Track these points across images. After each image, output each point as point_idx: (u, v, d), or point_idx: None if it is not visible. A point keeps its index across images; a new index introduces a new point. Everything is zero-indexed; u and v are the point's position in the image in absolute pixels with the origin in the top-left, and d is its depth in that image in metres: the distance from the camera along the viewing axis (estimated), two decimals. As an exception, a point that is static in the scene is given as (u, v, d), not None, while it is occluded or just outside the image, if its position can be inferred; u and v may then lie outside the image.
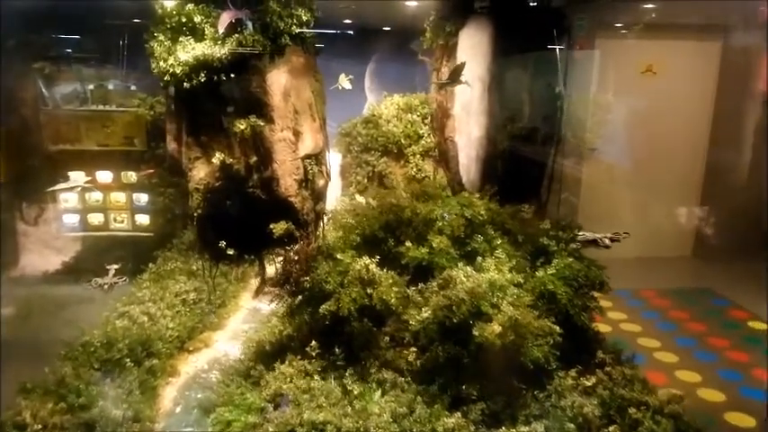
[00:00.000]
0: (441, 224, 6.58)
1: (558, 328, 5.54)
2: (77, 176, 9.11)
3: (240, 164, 5.44)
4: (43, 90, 9.95)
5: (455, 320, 5.39)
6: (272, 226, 5.47)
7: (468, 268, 5.92)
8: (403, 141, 10.62)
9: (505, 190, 7.68)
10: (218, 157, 5.35)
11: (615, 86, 10.23)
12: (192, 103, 5.33)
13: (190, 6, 5.56)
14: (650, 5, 9.04)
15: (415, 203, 6.73)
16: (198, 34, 5.13)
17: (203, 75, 5.03)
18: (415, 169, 11.08)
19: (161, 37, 5.11)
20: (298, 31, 5.77)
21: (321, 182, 5.83)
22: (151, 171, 10.71)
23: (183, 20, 5.11)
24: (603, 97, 9.87)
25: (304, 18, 5.80)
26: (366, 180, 11.26)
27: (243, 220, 5.59)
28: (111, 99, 10.37)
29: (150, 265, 9.75)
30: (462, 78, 7.32)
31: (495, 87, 7.58)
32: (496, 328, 5.17)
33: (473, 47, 7.69)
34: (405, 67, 13.59)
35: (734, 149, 11.43)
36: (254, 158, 5.44)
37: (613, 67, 9.98)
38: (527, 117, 8.02)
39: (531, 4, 7.62)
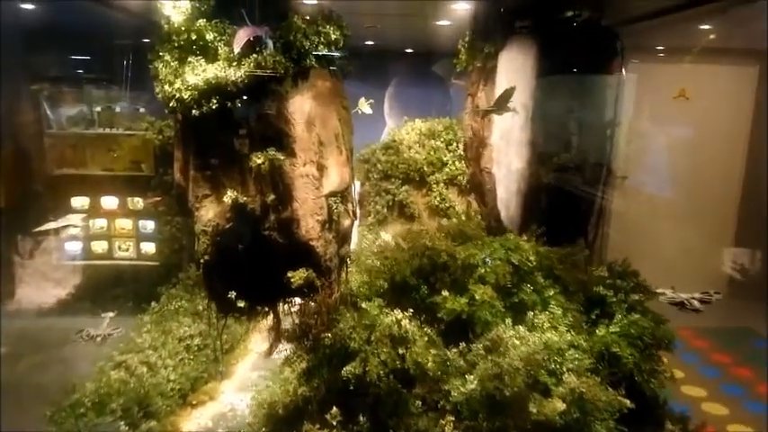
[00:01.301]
0: (483, 271, 5.71)
1: (628, 402, 4.61)
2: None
3: (255, 203, 4.90)
4: (48, 112, 9.46)
5: (507, 393, 4.47)
6: (289, 274, 4.98)
7: (521, 328, 5.01)
8: (426, 169, 9.97)
9: (549, 227, 6.78)
10: (229, 196, 4.84)
11: (648, 112, 9.51)
12: (202, 133, 4.70)
13: (201, 22, 4.83)
14: (705, 27, 8.21)
15: (452, 245, 5.82)
16: (210, 54, 4.67)
17: (215, 100, 4.56)
18: (438, 199, 10.34)
19: (167, 57, 4.51)
20: (325, 51, 4.97)
21: (347, 222, 5.04)
22: (158, 199, 10.09)
23: (193, 38, 4.65)
24: (637, 123, 9.12)
25: (332, 37, 5.03)
26: (386, 209, 10.49)
27: (256, 267, 5.08)
28: (118, 122, 9.89)
29: (153, 303, 8.98)
30: (510, 105, 6.48)
31: (538, 115, 6.73)
32: (559, 405, 4.26)
33: (515, 70, 6.90)
34: (426, 91, 12.92)
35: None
36: (272, 197, 4.91)
37: (646, 92, 9.20)
38: (574, 147, 7.16)
39: (577, 20, 6.77)
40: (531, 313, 5.46)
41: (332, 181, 5.03)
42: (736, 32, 9.15)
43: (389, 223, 10.01)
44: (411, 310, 5.39)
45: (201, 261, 4.90)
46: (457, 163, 10.51)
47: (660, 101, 10.11)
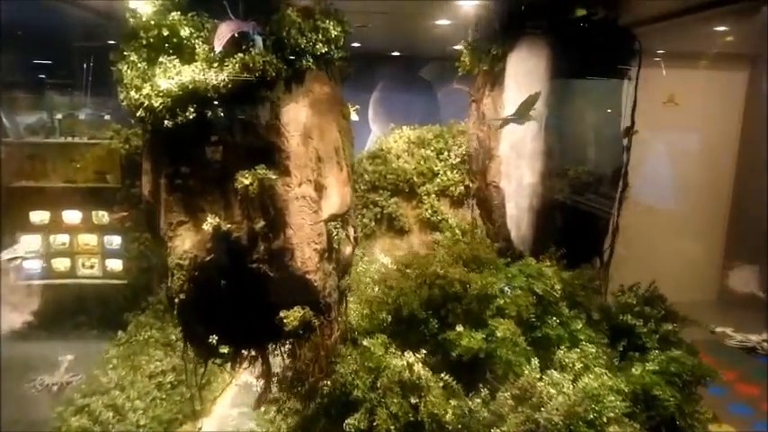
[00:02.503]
0: (502, 302, 5.05)
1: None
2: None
3: (241, 230, 4.28)
4: (3, 119, 8.61)
5: (544, 453, 3.77)
6: (282, 314, 4.36)
7: (554, 373, 4.31)
8: (415, 179, 9.32)
9: (563, 247, 6.15)
10: (210, 223, 4.17)
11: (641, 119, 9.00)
12: (176, 148, 4.27)
13: (174, 15, 4.03)
14: (721, 28, 7.70)
15: (465, 272, 5.13)
16: (185, 54, 4.05)
17: (192, 109, 3.95)
18: (429, 211, 9.66)
19: (133, 57, 4.11)
20: (324, 50, 4.19)
21: (348, 250, 4.37)
22: (124, 214, 9.22)
23: (165, 34, 4.02)
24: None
25: (333, 33, 4.24)
26: (374, 223, 9.77)
27: (242, 306, 4.46)
28: (81, 130, 9.03)
29: (119, 332, 8.06)
30: (532, 113, 5.80)
31: (552, 123, 6.10)
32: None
33: (526, 73, 6.28)
34: (413, 97, 12.29)
35: (761, 186, 10.36)
36: (261, 223, 4.27)
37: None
38: (591, 159, 6.56)
39: (593, 19, 6.16)
40: (560, 352, 4.75)
41: (332, 203, 4.32)
42: (728, 37, 8.75)
43: (378, 238, 9.31)
44: (424, 352, 4.63)
45: (176, 300, 4.05)
46: (449, 173, 9.89)
47: (651, 107, 9.66)
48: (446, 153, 9.65)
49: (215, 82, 3.84)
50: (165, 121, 3.90)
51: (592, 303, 5.67)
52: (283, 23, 4.04)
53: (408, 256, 5.88)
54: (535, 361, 4.76)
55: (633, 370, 4.94)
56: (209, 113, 3.95)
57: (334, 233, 4.53)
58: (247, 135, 4.14)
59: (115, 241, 8.97)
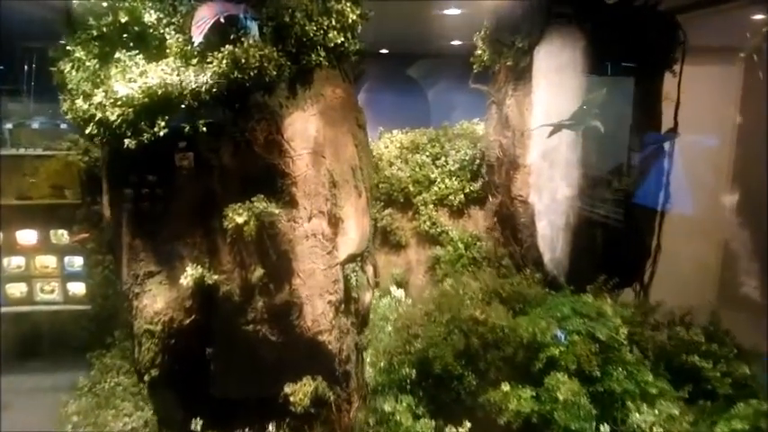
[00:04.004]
0: (556, 351, 4.08)
1: None
2: None
3: (233, 282, 3.46)
4: None
5: None
6: (288, 389, 3.54)
7: None
8: (411, 188, 8.37)
9: (603, 271, 5.26)
10: (190, 274, 3.35)
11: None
12: (142, 175, 3.38)
13: None
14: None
15: (508, 316, 4.20)
16: (151, 46, 3.20)
17: (162, 123, 3.10)
18: (428, 223, 8.72)
19: (80, 53, 3.24)
20: (339, 40, 3.15)
21: (367, 296, 3.69)
22: (85, 235, 8.10)
23: (123, 19, 3.18)
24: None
25: (350, 18, 3.20)
26: None
27: (234, 379, 3.61)
28: (35, 140, 8.00)
29: (80, 378, 6.88)
30: (593, 120, 4.83)
31: (591, 127, 5.15)
32: None
33: (558, 69, 5.38)
34: (403, 98, 11.42)
35: (759, 185, 9.66)
36: (259, 271, 3.42)
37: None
38: (635, 167, 5.64)
39: (633, 5, 5.28)
40: (635, 414, 3.82)
41: (350, 240, 3.49)
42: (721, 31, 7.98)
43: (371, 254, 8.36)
44: (468, 425, 3.66)
45: (146, 377, 2.97)
46: (447, 180, 9.01)
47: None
48: (443, 158, 8.78)
49: (194, 85, 3.01)
50: (126, 141, 2.88)
51: (650, 341, 4.76)
52: (286, 4, 2.96)
53: (435, 293, 4.85)
54: (605, 429, 3.81)
55: (718, 430, 4.02)
56: (187, 128, 3.15)
57: (352, 278, 3.69)
58: (240, 156, 3.32)
59: (77, 262, 7.99)
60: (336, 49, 3.39)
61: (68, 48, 3.15)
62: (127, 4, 2.98)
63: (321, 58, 3.29)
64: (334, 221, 3.56)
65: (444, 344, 4.45)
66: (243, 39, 3.07)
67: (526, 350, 4.43)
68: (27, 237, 7.25)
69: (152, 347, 3.34)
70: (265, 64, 3.04)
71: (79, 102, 2.98)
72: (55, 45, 3.18)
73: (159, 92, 2.96)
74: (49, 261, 7.64)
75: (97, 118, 2.99)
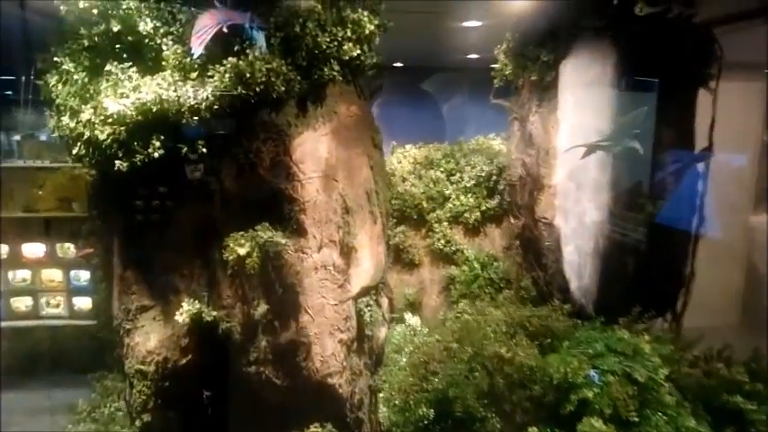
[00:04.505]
0: (589, 393, 3.71)
1: None
2: None
3: (234, 319, 3.16)
4: None
5: None
6: None
7: None
8: (425, 205, 8.06)
9: (635, 301, 4.87)
10: (187, 309, 3.02)
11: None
12: (134, 200, 3.05)
13: (129, 1, 2.62)
14: None
15: (535, 352, 3.82)
16: (146, 58, 2.91)
17: (158, 143, 2.79)
18: (442, 241, 8.39)
19: (68, 65, 2.94)
20: (354, 53, 2.84)
21: (382, 332, 3.39)
22: (90, 250, 7.90)
23: (116, 28, 2.87)
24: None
25: (367, 28, 2.89)
26: None
27: (234, 426, 3.31)
28: (42, 153, 7.86)
29: (80, 401, 6.64)
30: (630, 141, 4.49)
31: (612, 145, 4.82)
32: None
33: (586, 85, 5.03)
34: (417, 112, 11.21)
35: None
36: (263, 307, 3.09)
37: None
38: (670, 190, 5.25)
39: (668, 17, 4.93)
40: None
41: (363, 271, 3.18)
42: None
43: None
44: None
45: (138, 421, 2.64)
46: (462, 197, 8.71)
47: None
48: (458, 175, 8.51)
49: (193, 101, 2.64)
50: (117, 162, 2.55)
51: (687, 378, 4.35)
52: (296, 13, 2.67)
53: (455, 326, 4.49)
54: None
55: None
56: (185, 149, 2.76)
57: (366, 313, 3.35)
58: (243, 179, 3.02)
59: (83, 276, 7.86)
60: (352, 63, 3.08)
61: (56, 59, 2.87)
62: (120, 12, 2.70)
63: (335, 73, 2.97)
64: (347, 251, 3.23)
65: (466, 383, 4.10)
66: (248, 50, 2.77)
67: (556, 391, 4.04)
68: (33, 250, 7.27)
69: (144, 390, 3.04)
70: (273, 79, 2.73)
71: (65, 119, 2.71)
72: (43, 56, 2.91)
73: (154, 109, 2.67)
74: (54, 275, 7.56)
75: (85, 137, 2.71)
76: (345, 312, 3.27)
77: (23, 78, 7.68)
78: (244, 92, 2.74)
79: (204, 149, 2.79)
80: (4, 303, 7.66)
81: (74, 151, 2.72)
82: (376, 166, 3.45)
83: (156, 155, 2.71)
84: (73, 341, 7.61)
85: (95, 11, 2.68)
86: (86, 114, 2.71)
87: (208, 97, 2.68)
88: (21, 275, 7.36)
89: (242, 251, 2.81)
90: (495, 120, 7.53)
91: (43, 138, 8.02)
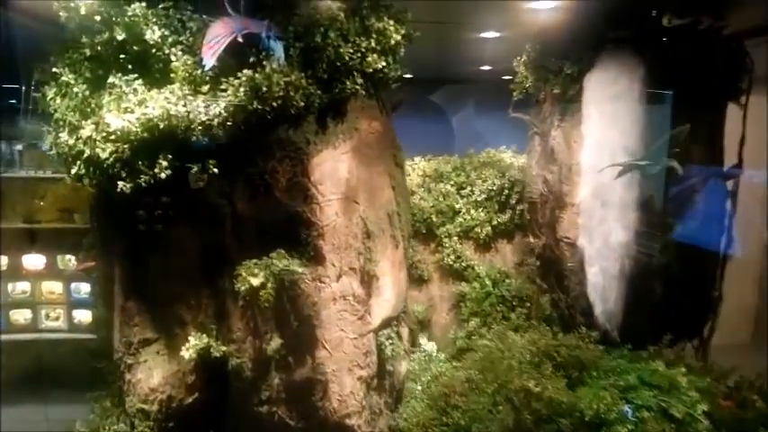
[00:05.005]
0: (623, 431, 3.51)
1: None
2: None
3: (244, 355, 2.91)
4: None
5: None
6: None
7: None
8: (434, 219, 7.84)
9: (661, 326, 4.65)
10: (194, 344, 2.78)
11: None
12: (138, 224, 2.78)
13: (136, 8, 2.41)
14: None
15: (562, 387, 3.57)
16: (153, 70, 2.66)
17: (165, 162, 2.53)
18: (452, 257, 8.15)
19: (68, 77, 2.69)
20: (379, 65, 2.61)
21: (402, 366, 3.10)
22: (91, 264, 7.75)
23: (120, 37, 2.62)
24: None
25: (393, 38, 2.66)
26: None
27: None
28: (44, 162, 7.73)
29: (78, 423, 6.42)
30: (669, 160, 4.25)
31: (650, 164, 4.59)
32: None
33: (612, 99, 4.82)
34: (426, 123, 11.06)
35: None
36: (277, 341, 2.85)
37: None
38: (699, 210, 5.01)
39: (697, 29, 4.72)
40: None
41: (385, 301, 2.94)
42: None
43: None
44: None
45: None
46: (472, 211, 8.49)
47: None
48: (468, 188, 8.30)
49: (204, 117, 2.39)
50: (120, 183, 2.32)
51: (727, 416, 4.07)
52: (317, 22, 2.44)
53: (478, 357, 4.23)
54: None
55: None
56: (194, 168, 2.40)
57: (387, 347, 3.15)
58: (257, 202, 2.80)
59: (83, 289, 7.71)
60: (375, 76, 2.85)
61: (55, 69, 2.64)
62: (126, 19, 2.47)
63: (357, 86, 2.75)
64: (368, 280, 2.99)
65: (490, 418, 3.83)
66: (265, 62, 2.54)
67: (587, 427, 3.78)
68: (33, 261, 7.18)
69: (146, 431, 2.77)
70: (291, 93, 2.51)
71: (64, 135, 2.50)
72: (41, 65, 2.69)
73: (161, 125, 2.43)
74: (55, 287, 7.43)
75: (85, 155, 2.48)
76: (365, 347, 3.02)
77: (25, 87, 7.53)
78: (259, 107, 2.51)
79: (215, 169, 2.55)
80: (4, 316, 7.49)
81: (73, 170, 2.48)
82: (398, 186, 3.21)
83: (162, 175, 2.46)
84: (72, 355, 7.41)
85: (98, 17, 2.46)
86: (87, 131, 2.48)
87: (220, 113, 2.45)
88: (20, 287, 7.22)
89: (255, 281, 2.56)
90: (507, 132, 7.32)
91: (45, 147, 7.94)
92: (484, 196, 7.09)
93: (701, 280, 5.30)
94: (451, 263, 6.93)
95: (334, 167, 2.87)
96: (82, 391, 6.82)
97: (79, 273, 7.57)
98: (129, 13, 2.59)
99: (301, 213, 2.81)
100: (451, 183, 7.53)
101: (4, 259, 7.30)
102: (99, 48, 2.63)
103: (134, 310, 2.74)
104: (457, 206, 7.22)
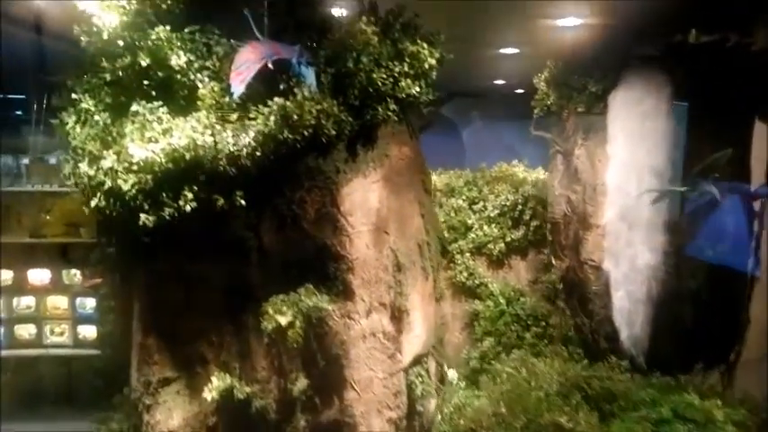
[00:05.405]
0: None
1: None
2: None
3: (268, 395, 2.76)
4: None
5: None
6: None
7: None
8: (446, 234, 7.66)
9: (687, 352, 4.56)
10: (216, 386, 2.59)
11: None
12: (159, 258, 2.65)
13: (160, 32, 2.29)
14: None
15: (595, 420, 3.39)
16: (177, 96, 2.52)
17: (190, 194, 2.39)
18: (465, 274, 8.02)
19: (87, 103, 2.53)
20: (414, 90, 2.48)
21: (432, 405, 2.95)
22: (98, 280, 7.63)
23: (144, 62, 2.48)
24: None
25: (427, 62, 2.53)
26: None
27: None
28: (51, 176, 7.63)
29: None
30: (708, 186, 4.11)
31: (680, 185, 4.50)
32: None
33: (639, 117, 4.74)
34: (437, 137, 10.93)
35: None
36: (303, 381, 2.71)
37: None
38: (730, 233, 4.86)
39: (725, 46, 4.61)
40: None
41: (415, 337, 2.89)
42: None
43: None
44: None
45: None
46: (485, 227, 8.34)
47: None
48: (481, 203, 8.15)
49: (232, 147, 2.14)
50: (143, 216, 2.18)
51: None
52: (350, 47, 2.30)
53: (503, 387, 4.06)
54: None
55: None
56: (220, 200, 2.31)
57: (417, 386, 2.95)
58: (284, 234, 2.66)
59: (88, 304, 7.56)
60: (406, 100, 2.72)
61: (74, 94, 2.51)
62: (149, 43, 2.34)
63: (390, 113, 2.61)
64: (398, 315, 2.85)
65: (517, 454, 3.66)
66: (296, 89, 2.41)
67: (620, 464, 3.61)
68: (39, 276, 7.03)
69: None
70: (323, 121, 2.39)
71: (83, 166, 2.36)
72: (58, 90, 2.55)
73: (187, 155, 2.30)
74: (60, 302, 7.27)
75: (106, 187, 2.34)
76: (395, 387, 2.88)
77: (31, 98, 7.47)
78: (290, 136, 2.36)
79: (242, 201, 2.41)
80: (8, 331, 7.37)
81: (92, 203, 2.34)
82: (427, 213, 3.07)
83: (187, 208, 2.32)
84: (77, 371, 7.26)
85: (121, 42, 2.32)
86: (108, 161, 2.34)
87: (249, 143, 2.31)
88: (25, 302, 7.14)
89: (283, 320, 2.41)
90: (519, 146, 7.18)
91: (52, 161, 7.82)
92: (497, 212, 6.95)
93: (729, 303, 5.14)
94: (464, 280, 6.79)
95: (364, 197, 2.74)
96: (87, 408, 6.65)
97: (85, 288, 7.46)
98: (153, 37, 2.46)
99: (330, 246, 2.67)
100: (463, 197, 7.40)
101: (9, 274, 7.23)
102: (120, 73, 2.50)
103: (154, 347, 2.59)
104: (469, 222, 7.10)
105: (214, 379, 2.57)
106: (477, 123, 9.57)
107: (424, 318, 2.97)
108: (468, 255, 7.28)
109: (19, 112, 7.67)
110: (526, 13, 4.73)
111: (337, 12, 2.80)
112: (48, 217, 7.25)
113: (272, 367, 2.66)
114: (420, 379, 3.02)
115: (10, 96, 7.59)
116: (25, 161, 7.30)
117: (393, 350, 2.81)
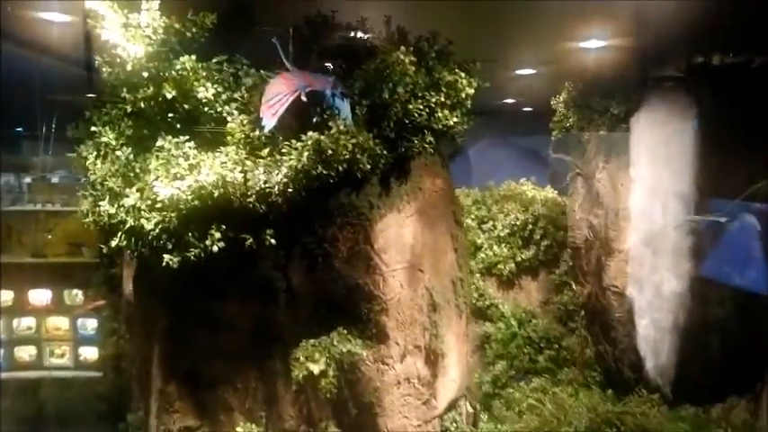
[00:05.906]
0: None
1: None
2: None
3: None
4: None
5: None
6: None
7: None
8: None
9: (716, 382, 4.41)
10: None
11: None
12: (182, 300, 2.47)
13: (186, 61, 2.16)
14: None
15: None
16: (203, 130, 2.37)
17: (218, 234, 2.25)
18: (475, 294, 7.85)
19: (108, 136, 2.37)
20: (451, 121, 2.36)
21: None
22: (101, 302, 7.57)
23: (169, 95, 2.32)
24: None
25: (464, 91, 2.41)
26: None
27: None
28: (54, 196, 7.58)
29: None
30: (748, 216, 3.99)
31: (707, 210, 4.39)
32: None
33: (663, 140, 4.70)
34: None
35: None
36: (332, 430, 2.54)
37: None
38: (756, 258, 4.73)
39: (750, 66, 4.56)
40: None
41: (450, 381, 2.82)
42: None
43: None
44: None
45: None
46: (495, 247, 8.20)
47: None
48: (490, 223, 8.02)
49: (263, 184, 1.97)
50: (166, 257, 2.04)
51: None
52: (386, 76, 2.16)
53: (533, 425, 3.91)
54: None
55: None
56: (249, 240, 2.09)
57: (452, 431, 2.58)
58: (314, 274, 2.49)
59: (90, 325, 7.50)
60: (441, 131, 2.59)
61: (94, 127, 2.36)
62: (174, 74, 2.20)
63: (426, 144, 2.47)
64: (433, 358, 2.68)
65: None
66: (330, 122, 2.28)
67: None
68: (39, 296, 6.73)
69: None
70: (358, 155, 2.25)
71: (104, 204, 2.22)
72: (75, 119, 2.41)
73: (215, 193, 2.16)
74: (61, 323, 7.27)
75: (128, 226, 2.19)
76: (430, 434, 2.71)
77: (39, 121, 7.41)
78: (324, 171, 2.23)
79: (272, 240, 2.27)
80: (8, 353, 7.24)
81: (113, 242, 2.20)
82: (460, 247, 2.91)
83: (214, 248, 2.18)
84: (78, 394, 7.12)
85: (146, 74, 2.18)
86: (131, 199, 2.20)
87: (283, 180, 2.17)
88: (26, 323, 7.07)
89: (316, 368, 2.25)
90: (527, 165, 7.06)
91: (55, 180, 7.72)
92: (507, 231, 6.83)
93: (758, 332, 5.00)
94: (474, 301, 6.63)
95: (398, 233, 2.59)
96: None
97: (87, 310, 7.33)
98: (178, 67, 2.32)
99: (363, 286, 2.50)
100: (472, 216, 7.27)
101: (9, 294, 7.11)
102: (143, 104, 2.35)
103: (175, 394, 2.42)
104: (478, 241, 6.98)
105: (240, 426, 2.40)
106: (483, 141, 9.50)
107: (459, 360, 2.81)
108: (477, 275, 7.14)
109: (21, 130, 7.61)
110: (547, 34, 4.67)
111: (364, 36, 2.68)
112: (50, 236, 7.18)
113: (300, 415, 2.49)
114: (455, 425, 2.84)
115: (12, 114, 7.55)
116: (27, 180, 7.24)
117: (428, 396, 2.63)
